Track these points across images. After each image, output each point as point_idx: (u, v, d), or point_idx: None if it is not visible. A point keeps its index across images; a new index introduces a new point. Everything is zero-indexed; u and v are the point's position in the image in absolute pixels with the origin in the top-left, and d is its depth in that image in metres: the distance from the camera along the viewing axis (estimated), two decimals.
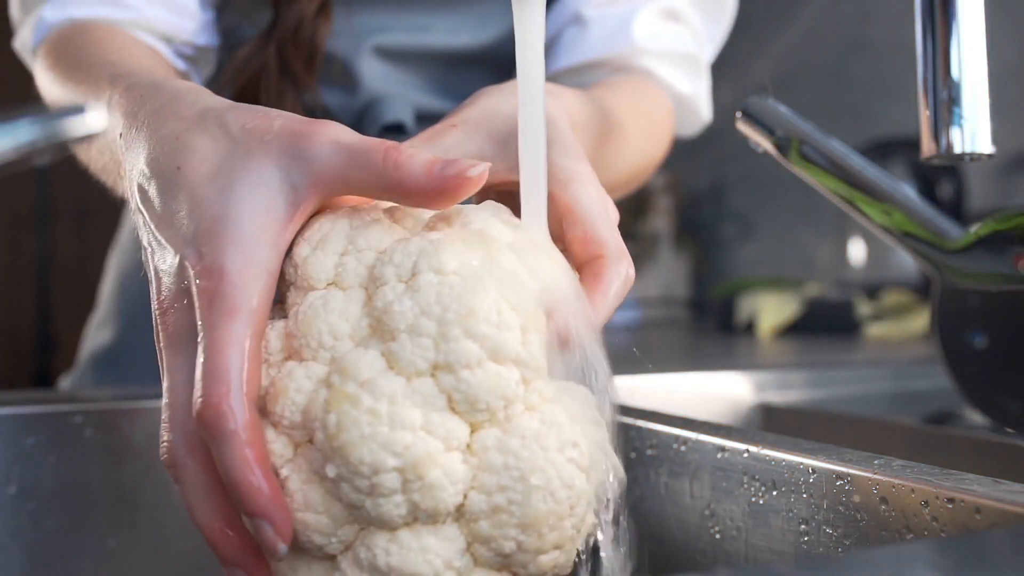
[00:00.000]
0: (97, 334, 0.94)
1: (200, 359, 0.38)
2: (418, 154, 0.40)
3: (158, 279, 0.41)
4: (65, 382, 0.95)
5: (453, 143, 0.49)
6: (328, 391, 0.37)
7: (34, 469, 0.63)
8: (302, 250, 0.40)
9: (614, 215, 0.47)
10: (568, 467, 0.38)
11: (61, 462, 0.64)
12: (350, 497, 0.37)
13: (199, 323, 0.38)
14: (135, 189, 0.44)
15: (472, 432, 0.38)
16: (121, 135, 0.47)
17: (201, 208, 0.40)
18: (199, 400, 0.37)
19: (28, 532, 0.63)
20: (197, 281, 0.39)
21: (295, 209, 0.40)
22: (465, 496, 0.37)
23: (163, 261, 0.41)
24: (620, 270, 0.44)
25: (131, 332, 0.90)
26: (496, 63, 0.86)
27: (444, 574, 0.38)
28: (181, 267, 0.40)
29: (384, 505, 0.37)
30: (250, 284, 0.38)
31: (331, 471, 0.37)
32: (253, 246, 0.39)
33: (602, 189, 0.47)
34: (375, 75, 0.82)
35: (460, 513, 0.38)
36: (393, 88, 0.83)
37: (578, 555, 0.41)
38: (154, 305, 0.41)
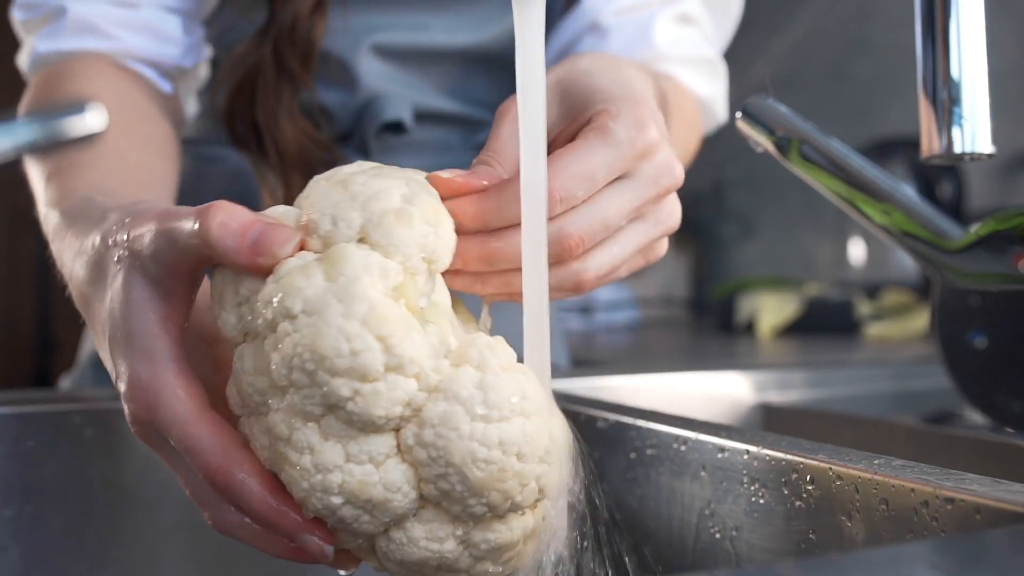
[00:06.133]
0: None
1: (182, 449, 0.43)
2: (230, 224, 0.40)
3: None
4: (65, 382, 0.95)
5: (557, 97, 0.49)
6: (274, 451, 0.40)
7: (34, 469, 0.63)
8: (214, 311, 0.43)
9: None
10: (490, 429, 0.38)
11: (61, 462, 0.64)
12: (335, 525, 0.41)
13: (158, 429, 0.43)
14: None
15: (397, 432, 0.40)
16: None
17: (108, 337, 0.45)
18: (205, 478, 0.42)
19: (28, 532, 0.63)
20: (130, 405, 0.43)
21: (171, 297, 0.43)
22: (420, 489, 0.40)
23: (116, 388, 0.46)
24: (605, 138, 0.44)
25: None
26: (495, 62, 0.86)
27: (447, 549, 0.41)
28: (120, 393, 0.45)
29: (361, 526, 0.40)
30: (166, 378, 0.42)
31: (308, 514, 0.41)
32: (150, 347, 0.43)
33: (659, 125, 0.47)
34: (374, 73, 0.82)
35: (427, 501, 0.40)
36: (392, 87, 0.83)
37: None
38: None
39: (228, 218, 0.40)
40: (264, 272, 0.40)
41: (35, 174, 0.65)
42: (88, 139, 0.40)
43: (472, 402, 0.38)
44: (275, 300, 0.39)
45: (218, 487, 0.42)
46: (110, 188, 0.58)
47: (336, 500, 0.39)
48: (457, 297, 0.47)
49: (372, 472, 0.39)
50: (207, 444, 0.42)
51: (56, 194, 0.58)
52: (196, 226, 0.40)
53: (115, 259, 0.44)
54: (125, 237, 0.44)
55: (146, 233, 0.43)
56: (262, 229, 0.40)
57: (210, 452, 0.41)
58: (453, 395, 0.38)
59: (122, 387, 0.43)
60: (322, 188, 0.42)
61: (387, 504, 0.39)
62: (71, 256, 0.50)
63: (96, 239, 0.47)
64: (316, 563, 0.43)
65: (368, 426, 0.38)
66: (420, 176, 0.44)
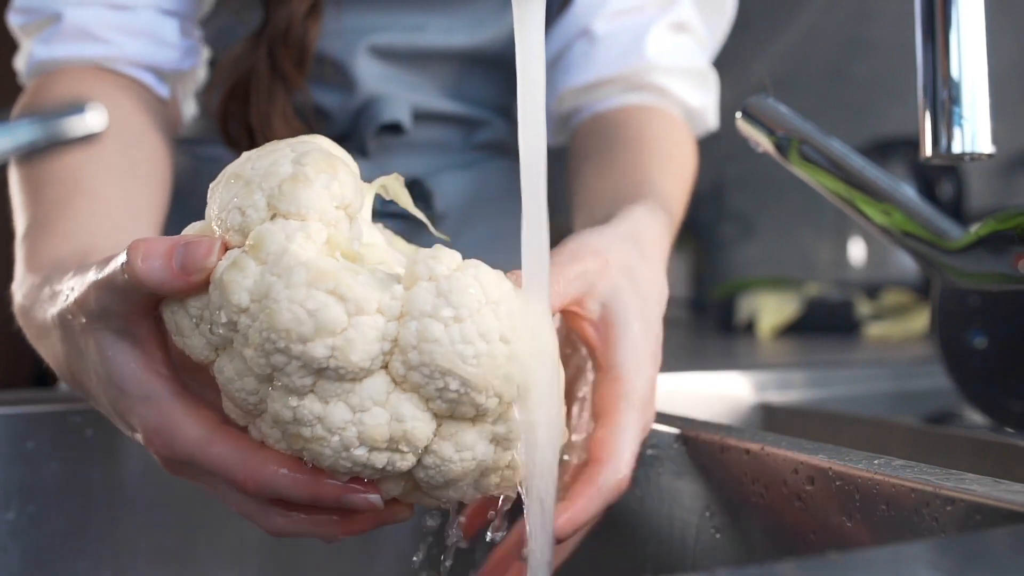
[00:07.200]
0: None
1: (209, 472, 0.44)
2: (153, 258, 0.41)
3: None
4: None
5: (589, 273, 0.50)
6: (288, 437, 0.42)
7: (34, 469, 0.63)
8: (178, 343, 0.44)
9: (650, 416, 0.50)
10: (465, 326, 0.39)
11: (61, 462, 0.64)
12: (371, 477, 0.43)
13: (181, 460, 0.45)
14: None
15: (387, 368, 0.40)
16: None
17: (108, 401, 0.46)
18: (239, 489, 0.44)
19: (28, 532, 0.63)
20: (153, 450, 0.45)
21: (142, 340, 0.45)
22: (431, 408, 0.41)
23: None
24: (608, 479, 0.47)
25: None
26: (492, 63, 0.86)
27: (480, 453, 0.42)
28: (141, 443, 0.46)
29: (395, 466, 0.41)
30: (172, 413, 0.44)
31: (343, 478, 0.43)
32: (147, 393, 0.44)
33: (653, 384, 0.51)
34: (371, 75, 0.82)
35: (441, 417, 0.41)
36: (390, 88, 0.83)
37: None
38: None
39: (148, 253, 0.41)
40: (202, 287, 0.41)
41: (18, 218, 0.64)
42: (87, 139, 0.40)
43: (438, 309, 0.39)
44: (224, 303, 0.40)
45: (252, 492, 0.43)
46: (84, 244, 0.58)
47: (361, 452, 0.40)
48: (390, 232, 0.51)
49: (381, 413, 0.40)
50: (228, 458, 0.43)
51: (21, 270, 0.58)
52: (124, 270, 0.42)
53: (79, 330, 0.46)
54: (75, 307, 0.45)
55: (89, 294, 0.44)
56: (184, 249, 0.41)
57: (233, 464, 0.43)
58: (419, 312, 0.39)
59: (140, 438, 0.45)
60: (220, 188, 0.43)
61: (407, 435, 0.40)
62: (42, 344, 0.52)
63: (55, 318, 0.49)
64: (372, 524, 0.44)
65: (358, 374, 0.39)
66: (307, 138, 0.45)
